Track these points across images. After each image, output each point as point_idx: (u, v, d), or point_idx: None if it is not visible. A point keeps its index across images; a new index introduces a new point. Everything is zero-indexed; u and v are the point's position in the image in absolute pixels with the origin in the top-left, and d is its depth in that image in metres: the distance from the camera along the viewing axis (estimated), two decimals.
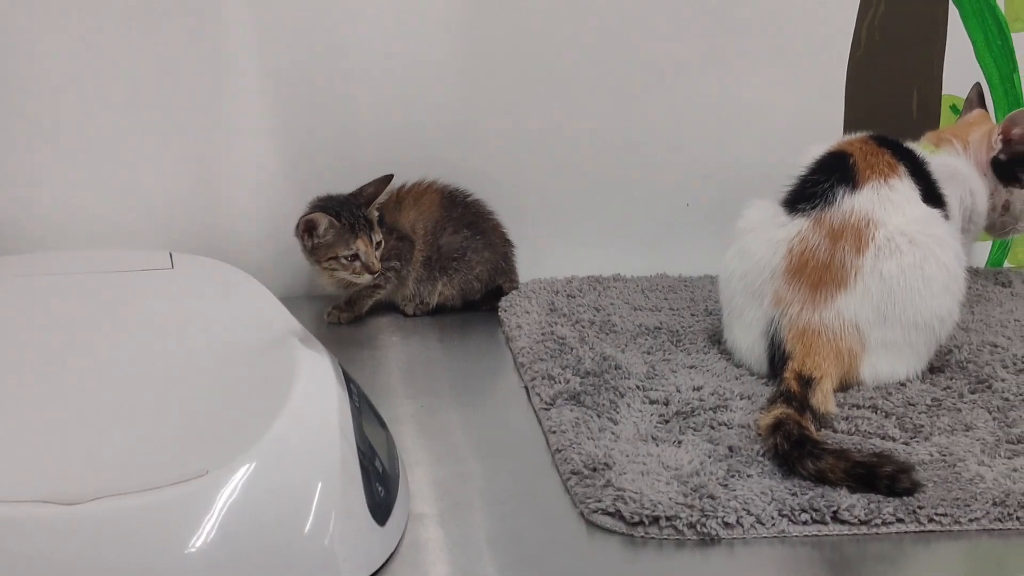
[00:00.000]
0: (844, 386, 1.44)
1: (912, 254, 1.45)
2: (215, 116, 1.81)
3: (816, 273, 1.46)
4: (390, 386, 1.53)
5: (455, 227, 1.80)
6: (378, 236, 1.71)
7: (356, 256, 1.70)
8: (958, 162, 1.75)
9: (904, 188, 1.51)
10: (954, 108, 2.01)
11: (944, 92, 2.02)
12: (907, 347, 1.47)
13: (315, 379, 1.18)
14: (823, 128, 1.98)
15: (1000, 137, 1.76)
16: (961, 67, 2.01)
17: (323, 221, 1.69)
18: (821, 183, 1.51)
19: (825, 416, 1.36)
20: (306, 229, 1.70)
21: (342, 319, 1.76)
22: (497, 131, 1.90)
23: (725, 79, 1.94)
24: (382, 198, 1.74)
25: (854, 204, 1.48)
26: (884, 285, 1.44)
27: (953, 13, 1.98)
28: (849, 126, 1.99)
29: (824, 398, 1.38)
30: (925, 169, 1.56)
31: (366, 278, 1.71)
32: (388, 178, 1.74)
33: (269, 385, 1.16)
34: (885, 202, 1.49)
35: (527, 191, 1.92)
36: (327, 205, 1.71)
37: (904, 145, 1.60)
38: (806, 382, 1.38)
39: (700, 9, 1.91)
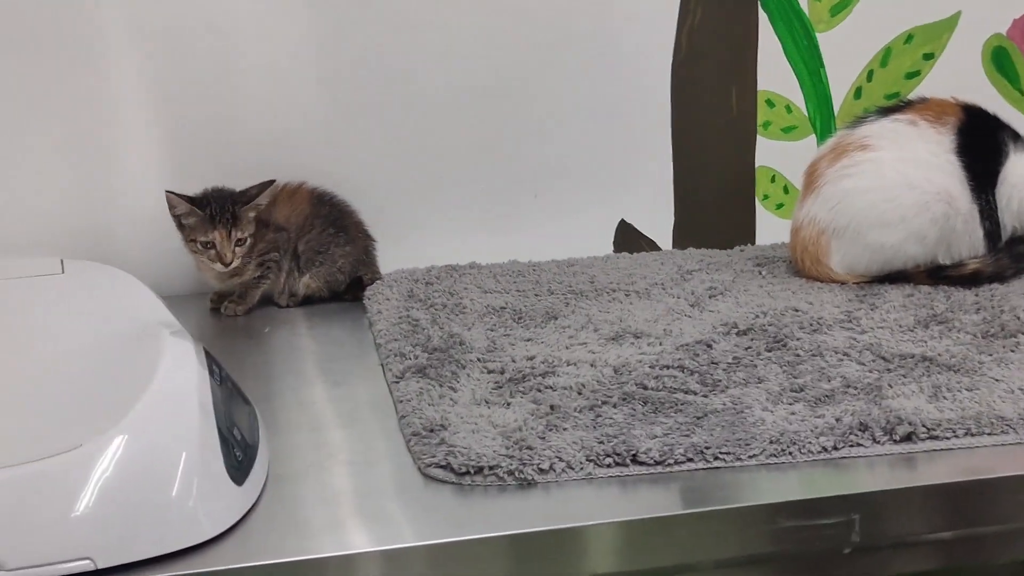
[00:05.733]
0: None
1: None
2: (100, 130, 1.89)
3: None
4: (260, 368, 1.62)
5: (323, 225, 1.89)
6: (242, 233, 1.79)
7: (212, 244, 1.78)
8: None
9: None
10: (769, 102, 2.14)
11: (759, 88, 2.14)
12: None
13: (177, 363, 1.27)
14: (653, 125, 2.10)
15: None
16: (773, 65, 2.13)
17: (177, 204, 1.78)
18: None
19: None
20: (169, 205, 1.78)
21: (238, 311, 1.84)
22: (358, 136, 1.99)
23: (565, 82, 2.05)
24: (262, 200, 1.82)
25: None
26: None
27: (763, 17, 2.10)
28: (676, 123, 2.10)
29: None
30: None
31: (219, 267, 1.79)
32: (269, 183, 1.82)
33: (138, 371, 1.24)
34: None
35: (390, 191, 2.02)
36: (205, 195, 1.80)
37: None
38: None
39: (538, 24, 2.02)
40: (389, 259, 1.97)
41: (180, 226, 1.80)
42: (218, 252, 1.78)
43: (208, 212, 1.78)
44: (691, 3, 2.06)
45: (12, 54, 1.83)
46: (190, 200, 1.78)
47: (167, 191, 1.78)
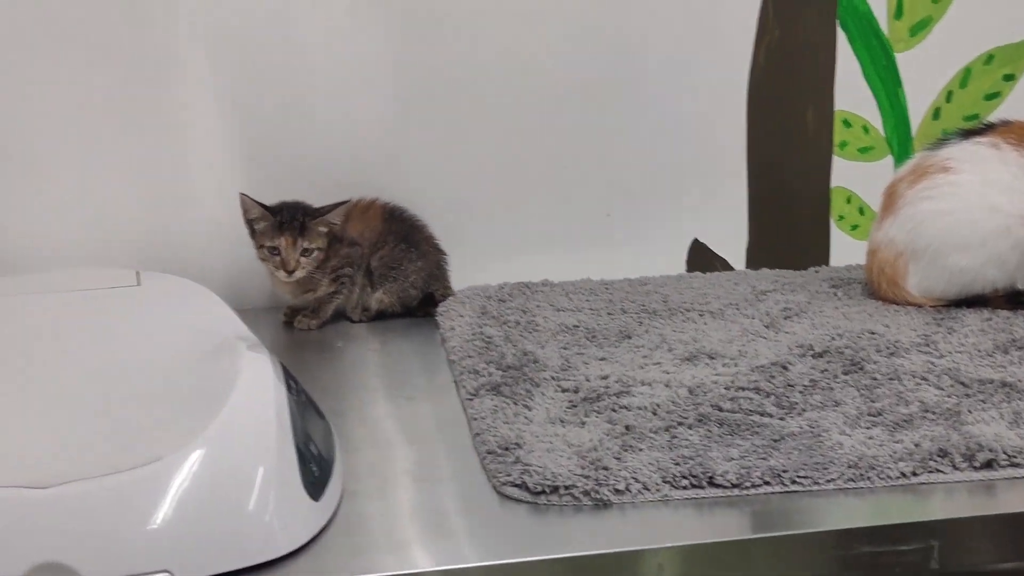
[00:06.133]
0: None
1: None
2: (177, 145, 1.92)
3: None
4: (333, 383, 1.63)
5: (395, 241, 1.91)
6: (308, 244, 1.82)
7: (277, 251, 1.81)
8: None
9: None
10: (846, 122, 2.13)
11: (836, 108, 2.13)
12: None
13: (256, 377, 1.28)
14: (728, 144, 2.10)
15: None
16: (850, 85, 2.12)
17: (251, 207, 1.81)
18: None
19: None
20: (242, 208, 1.82)
21: (311, 325, 1.87)
22: (431, 152, 2.01)
23: (638, 100, 2.06)
24: (333, 217, 1.84)
25: None
26: None
27: (841, 36, 2.10)
28: (752, 142, 2.10)
29: None
30: None
31: (281, 274, 1.82)
32: (344, 202, 1.85)
33: (216, 384, 1.25)
34: None
35: (462, 207, 2.04)
36: (280, 204, 1.84)
37: None
38: None
39: (613, 40, 2.02)
40: (461, 276, 1.98)
41: (252, 232, 1.83)
42: (283, 258, 1.81)
43: (278, 218, 1.81)
44: (769, 21, 2.06)
45: (86, 66, 1.86)
46: (263, 205, 1.80)
47: (241, 193, 1.81)
